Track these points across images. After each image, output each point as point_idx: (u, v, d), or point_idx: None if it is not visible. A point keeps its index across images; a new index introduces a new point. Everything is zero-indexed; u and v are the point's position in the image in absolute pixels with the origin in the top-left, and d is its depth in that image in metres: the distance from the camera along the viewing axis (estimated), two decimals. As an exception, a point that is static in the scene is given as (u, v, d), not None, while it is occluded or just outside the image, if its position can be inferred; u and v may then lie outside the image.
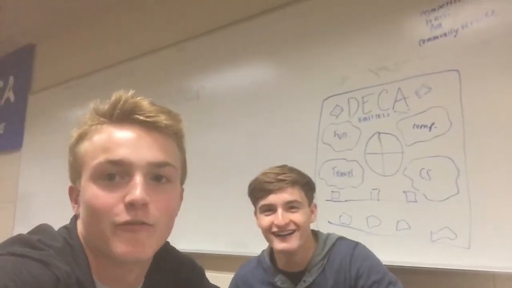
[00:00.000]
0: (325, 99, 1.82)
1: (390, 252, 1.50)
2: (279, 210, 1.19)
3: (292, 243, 1.18)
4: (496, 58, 1.45)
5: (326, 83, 1.83)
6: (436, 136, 1.53)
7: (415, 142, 1.57)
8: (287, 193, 1.20)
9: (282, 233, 1.19)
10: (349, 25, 1.80)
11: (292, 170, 1.26)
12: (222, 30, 2.24)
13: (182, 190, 0.75)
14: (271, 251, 1.32)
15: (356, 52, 1.77)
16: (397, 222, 1.57)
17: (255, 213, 1.29)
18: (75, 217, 0.70)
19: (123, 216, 0.61)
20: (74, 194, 0.69)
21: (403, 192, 1.57)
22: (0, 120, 3.66)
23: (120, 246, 0.61)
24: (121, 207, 0.61)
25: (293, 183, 1.22)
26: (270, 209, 1.21)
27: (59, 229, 0.69)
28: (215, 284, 0.94)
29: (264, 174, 1.25)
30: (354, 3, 1.80)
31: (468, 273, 1.44)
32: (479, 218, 1.42)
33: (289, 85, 1.96)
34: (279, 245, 1.20)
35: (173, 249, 0.87)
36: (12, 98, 3.63)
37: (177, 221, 0.70)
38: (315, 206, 1.31)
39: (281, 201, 1.20)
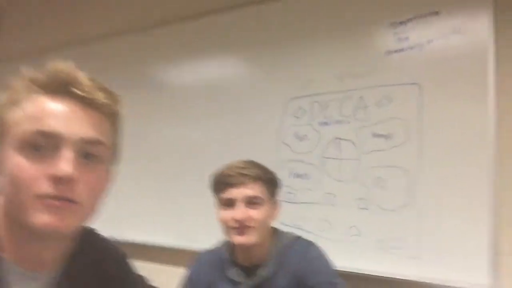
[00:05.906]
0: (289, 100, 1.82)
1: (339, 257, 1.51)
2: (239, 205, 1.19)
3: (249, 238, 1.19)
4: (457, 75, 1.49)
5: (292, 84, 1.82)
6: (393, 146, 1.56)
7: (372, 151, 1.59)
8: (248, 188, 1.20)
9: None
10: (320, 30, 1.80)
11: (256, 165, 1.25)
12: (192, 21, 2.18)
13: (113, 172, 0.72)
14: (232, 244, 1.29)
15: (324, 57, 1.78)
16: (349, 227, 1.59)
17: (216, 205, 1.28)
18: None
19: (46, 188, 0.58)
20: None
21: (357, 199, 1.59)
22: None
23: (40, 216, 0.58)
24: (45, 180, 0.58)
25: (255, 178, 1.21)
26: (230, 203, 1.20)
27: None
28: (145, 274, 0.91)
29: (228, 167, 1.24)
30: (327, 10, 1.80)
31: (414, 284, 1.47)
32: (429, 230, 1.46)
33: (255, 83, 1.95)
34: (236, 238, 1.20)
35: (98, 235, 0.84)
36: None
37: (130, 211, 0.66)
38: (278, 203, 1.31)
39: (242, 196, 1.19)
